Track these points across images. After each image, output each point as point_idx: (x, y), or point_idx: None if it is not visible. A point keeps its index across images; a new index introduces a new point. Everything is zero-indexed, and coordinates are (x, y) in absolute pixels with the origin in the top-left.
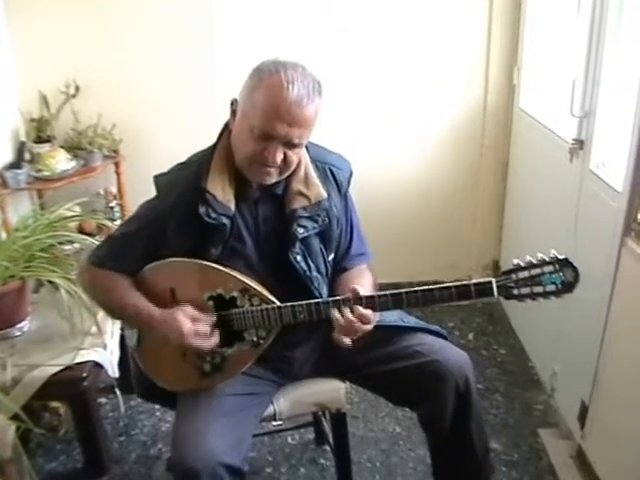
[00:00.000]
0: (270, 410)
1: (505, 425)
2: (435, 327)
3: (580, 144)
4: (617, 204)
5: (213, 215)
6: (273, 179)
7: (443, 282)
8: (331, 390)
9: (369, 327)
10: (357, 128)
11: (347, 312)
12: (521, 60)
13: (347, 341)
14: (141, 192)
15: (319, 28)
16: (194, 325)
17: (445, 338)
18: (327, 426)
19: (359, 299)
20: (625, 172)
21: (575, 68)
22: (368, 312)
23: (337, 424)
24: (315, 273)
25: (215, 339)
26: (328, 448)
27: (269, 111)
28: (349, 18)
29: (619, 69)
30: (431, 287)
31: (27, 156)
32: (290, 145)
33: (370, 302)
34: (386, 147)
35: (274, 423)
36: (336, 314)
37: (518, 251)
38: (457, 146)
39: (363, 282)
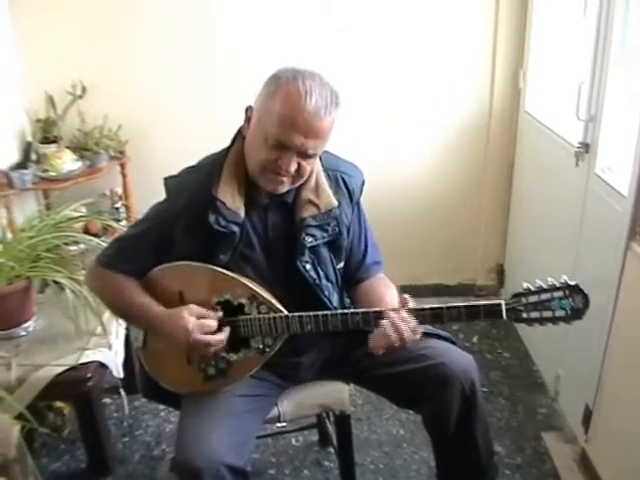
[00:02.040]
0: (274, 412)
1: (509, 428)
2: (443, 332)
3: (586, 148)
4: (622, 208)
5: (223, 223)
6: (285, 188)
7: (447, 285)
8: (335, 392)
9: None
10: (360, 130)
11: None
12: (527, 63)
13: (381, 351)
14: (147, 193)
15: (320, 28)
16: (200, 320)
17: (452, 342)
18: (331, 428)
19: (408, 310)
20: (631, 176)
21: (581, 71)
22: (421, 328)
23: (341, 426)
24: (325, 281)
25: (224, 335)
26: (332, 450)
27: (285, 121)
28: (351, 19)
29: (625, 73)
30: (440, 306)
31: (33, 156)
32: (305, 155)
33: (438, 314)
34: (390, 150)
35: (278, 425)
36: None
37: (523, 255)
38: (462, 149)
39: (392, 293)
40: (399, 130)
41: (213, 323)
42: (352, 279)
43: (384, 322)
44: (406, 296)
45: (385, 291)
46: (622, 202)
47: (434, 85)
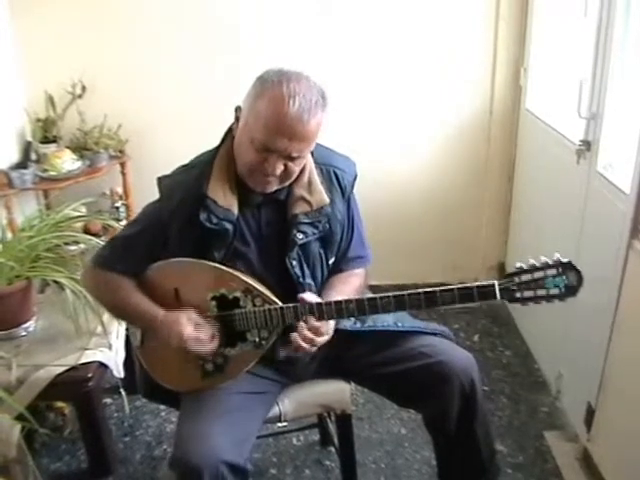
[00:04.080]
0: (275, 411)
1: (510, 427)
2: (440, 328)
3: (587, 145)
4: (624, 206)
5: (214, 221)
6: (273, 188)
7: (448, 284)
8: (336, 391)
9: (324, 339)
10: (361, 129)
11: (303, 328)
12: (528, 61)
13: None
14: (147, 192)
15: (319, 28)
16: (195, 331)
17: (450, 339)
18: (332, 427)
19: (314, 307)
20: (633, 174)
21: (582, 68)
22: (317, 324)
23: (342, 425)
24: (309, 280)
25: (214, 345)
26: (333, 449)
27: (269, 125)
28: (351, 18)
29: (627, 69)
30: (434, 289)
31: (33, 156)
32: (290, 158)
33: (320, 310)
34: (391, 148)
35: (279, 424)
36: (294, 333)
37: (524, 253)
38: (463, 147)
39: (340, 289)
40: (400, 128)
41: (207, 336)
42: (333, 269)
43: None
44: (302, 295)
45: (338, 287)
46: (624, 200)
47: (435, 83)
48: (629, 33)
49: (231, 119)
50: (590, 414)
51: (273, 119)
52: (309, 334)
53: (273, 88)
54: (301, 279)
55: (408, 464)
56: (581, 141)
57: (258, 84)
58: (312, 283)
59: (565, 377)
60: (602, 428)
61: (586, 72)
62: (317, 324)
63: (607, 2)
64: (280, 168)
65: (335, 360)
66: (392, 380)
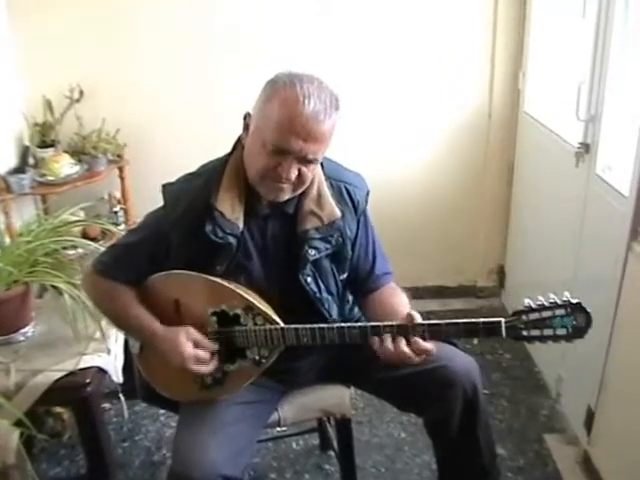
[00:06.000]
0: (274, 416)
1: (510, 430)
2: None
3: (586, 148)
4: (624, 208)
5: (220, 234)
6: (286, 195)
7: (448, 286)
8: (336, 396)
9: (422, 358)
10: (360, 132)
11: (402, 344)
12: (526, 64)
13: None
14: (145, 197)
15: (319, 28)
16: (195, 350)
17: (453, 344)
18: (332, 431)
19: (407, 327)
20: (632, 176)
21: (581, 71)
22: (428, 345)
23: (342, 430)
24: (325, 294)
25: (213, 364)
26: (333, 454)
27: (284, 125)
28: (351, 19)
29: (625, 72)
30: (439, 322)
31: (31, 161)
32: (305, 161)
33: (435, 331)
34: (390, 151)
35: (278, 429)
36: (389, 345)
37: (523, 256)
38: (462, 150)
39: (403, 302)
40: (399, 131)
41: (207, 356)
42: (362, 290)
43: (387, 344)
44: (413, 313)
45: (396, 301)
46: (623, 202)
47: (433, 86)
48: (627, 35)
49: (232, 123)
50: (590, 417)
51: (287, 120)
52: (410, 353)
53: (286, 89)
54: (318, 294)
55: (408, 468)
56: (580, 144)
57: (269, 87)
58: (329, 298)
59: (565, 380)
60: (602, 431)
61: (584, 75)
62: (429, 346)
63: (605, 4)
64: (294, 173)
65: (336, 366)
66: (394, 384)
